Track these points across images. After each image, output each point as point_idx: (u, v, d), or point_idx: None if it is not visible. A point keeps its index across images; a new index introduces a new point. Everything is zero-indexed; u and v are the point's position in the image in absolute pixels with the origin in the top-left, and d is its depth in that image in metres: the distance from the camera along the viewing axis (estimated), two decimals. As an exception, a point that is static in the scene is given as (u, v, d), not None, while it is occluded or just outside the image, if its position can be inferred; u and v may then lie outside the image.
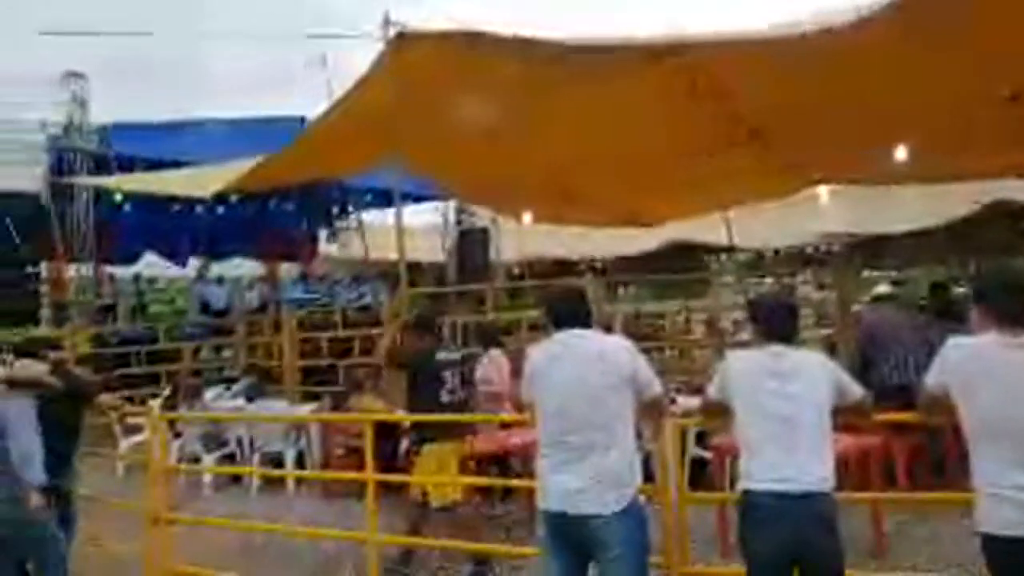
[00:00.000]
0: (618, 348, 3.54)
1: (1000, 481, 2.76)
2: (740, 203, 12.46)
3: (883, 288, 7.40)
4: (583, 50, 6.29)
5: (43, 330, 11.71)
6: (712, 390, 3.56)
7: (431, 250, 18.22)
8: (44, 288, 13.00)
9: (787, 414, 3.20)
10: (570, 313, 3.60)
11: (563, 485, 3.35)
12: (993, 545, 2.79)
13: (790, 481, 3.12)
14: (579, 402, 3.37)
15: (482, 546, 5.47)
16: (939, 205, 13.57)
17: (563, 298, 3.76)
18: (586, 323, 3.58)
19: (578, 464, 3.33)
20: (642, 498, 3.47)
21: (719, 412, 3.54)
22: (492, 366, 7.87)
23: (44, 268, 12.95)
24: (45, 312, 12.99)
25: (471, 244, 16.28)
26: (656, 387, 3.53)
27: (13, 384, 4.91)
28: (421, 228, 18.07)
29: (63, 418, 5.18)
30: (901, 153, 8.53)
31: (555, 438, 3.42)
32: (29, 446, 4.70)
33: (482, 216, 17.15)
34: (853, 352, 7.30)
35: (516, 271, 19.62)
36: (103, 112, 13.67)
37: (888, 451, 6.00)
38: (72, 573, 5.29)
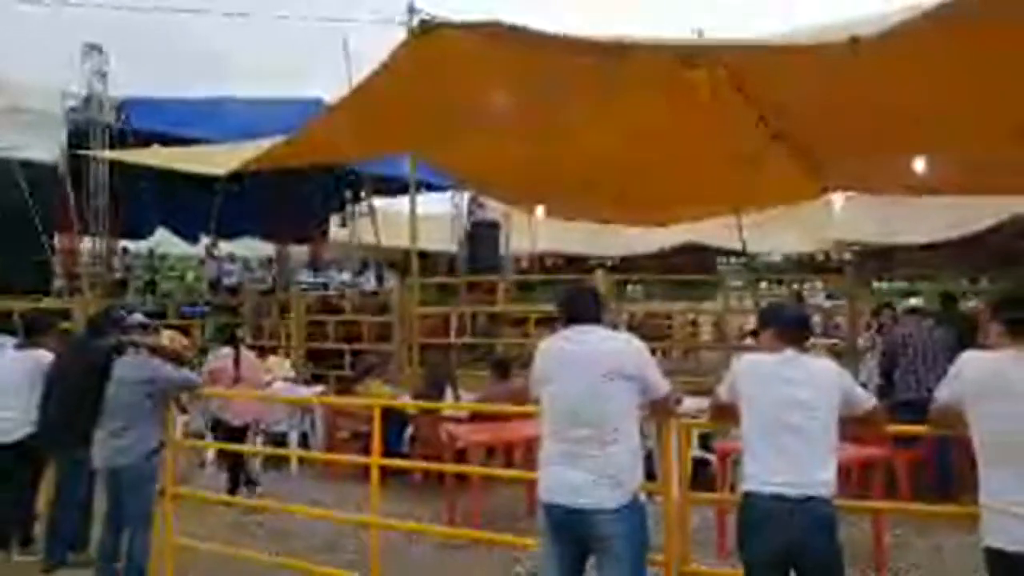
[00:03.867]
0: (626, 345, 3.51)
1: (1009, 497, 2.76)
2: (757, 205, 12.45)
3: (915, 302, 7.49)
4: (610, 48, 6.28)
5: (52, 301, 11.70)
6: (722, 391, 3.55)
7: (442, 240, 18.22)
8: (57, 259, 13.00)
9: (794, 420, 3.19)
10: (581, 309, 3.58)
11: (564, 478, 3.34)
12: (1000, 561, 2.78)
13: (791, 485, 3.11)
14: (583, 397, 3.35)
15: (480, 533, 5.50)
16: (955, 218, 13.46)
17: (575, 294, 3.74)
18: (596, 320, 3.57)
19: (580, 459, 3.32)
20: (643, 496, 3.46)
21: (728, 413, 3.53)
22: (216, 363, 7.83)
23: (57, 239, 12.95)
24: (57, 283, 13.01)
25: (482, 236, 16.31)
26: (663, 387, 3.51)
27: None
28: (434, 217, 18.04)
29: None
30: (921, 165, 8.50)
31: (558, 431, 3.41)
32: None
33: (493, 209, 17.14)
34: (880, 362, 7.37)
35: (525, 265, 19.61)
36: (119, 86, 13.71)
37: (891, 462, 5.97)
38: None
